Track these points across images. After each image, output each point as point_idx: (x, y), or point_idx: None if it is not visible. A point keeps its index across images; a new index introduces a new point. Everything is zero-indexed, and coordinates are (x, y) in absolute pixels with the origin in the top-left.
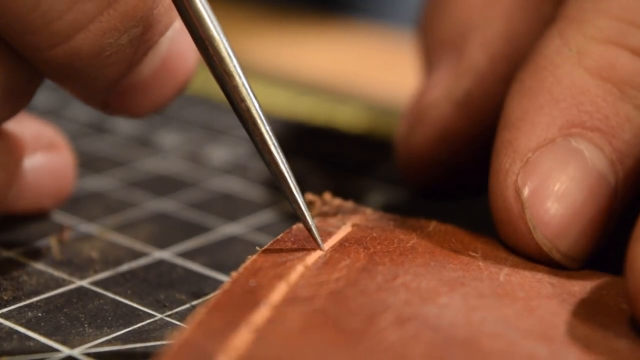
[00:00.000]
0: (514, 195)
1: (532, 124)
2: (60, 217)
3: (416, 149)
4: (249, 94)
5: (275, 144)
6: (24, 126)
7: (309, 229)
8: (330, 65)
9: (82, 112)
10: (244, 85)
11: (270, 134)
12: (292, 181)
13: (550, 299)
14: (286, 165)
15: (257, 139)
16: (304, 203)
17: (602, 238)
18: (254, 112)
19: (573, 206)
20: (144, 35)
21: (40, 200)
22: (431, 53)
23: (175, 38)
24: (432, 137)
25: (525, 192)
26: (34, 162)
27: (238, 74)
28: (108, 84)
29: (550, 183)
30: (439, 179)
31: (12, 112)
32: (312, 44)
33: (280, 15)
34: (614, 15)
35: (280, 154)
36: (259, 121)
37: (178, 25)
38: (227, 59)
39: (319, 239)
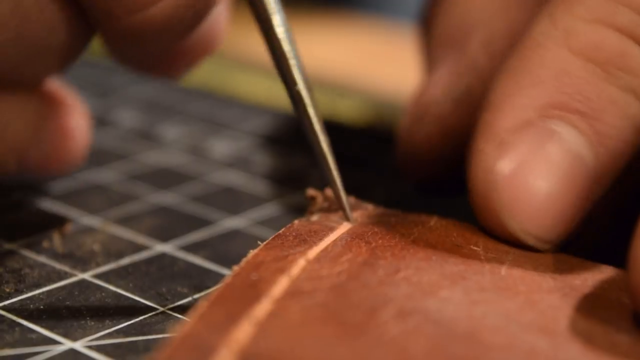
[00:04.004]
0: (486, 176)
1: (511, 105)
2: (62, 210)
3: (418, 146)
4: (301, 73)
5: (320, 123)
6: (47, 85)
7: (340, 201)
8: (332, 59)
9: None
10: (298, 67)
11: (317, 115)
12: (332, 159)
13: (551, 293)
14: (329, 145)
15: (304, 116)
16: (340, 180)
17: (579, 220)
18: (304, 92)
19: (546, 189)
20: (205, 6)
21: (56, 162)
22: (433, 50)
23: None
24: (433, 134)
25: (497, 173)
26: (55, 123)
27: (295, 56)
28: (162, 50)
29: (524, 165)
30: (440, 176)
31: (61, 69)
32: (313, 37)
33: (285, 7)
34: None
35: (325, 134)
36: (308, 100)
37: None
38: (287, 43)
39: (349, 212)
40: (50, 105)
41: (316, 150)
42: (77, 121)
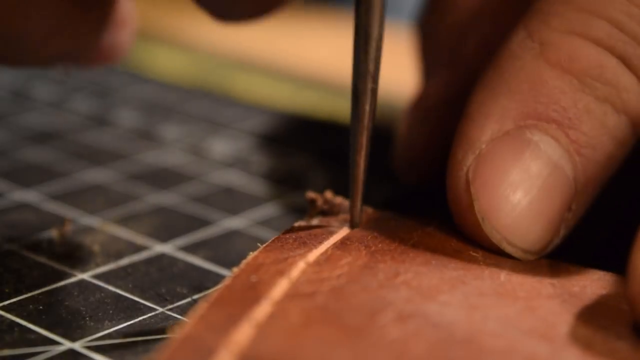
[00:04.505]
0: (464, 186)
1: (487, 115)
2: (61, 210)
3: (416, 150)
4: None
5: (370, 131)
6: None
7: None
8: (332, 59)
9: (84, 104)
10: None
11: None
12: (363, 169)
13: (551, 299)
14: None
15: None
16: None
17: (562, 229)
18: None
19: (524, 198)
20: None
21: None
22: (429, 55)
23: None
24: (432, 138)
25: (476, 183)
26: (109, 36)
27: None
28: None
29: (501, 175)
30: (438, 178)
31: None
32: (314, 37)
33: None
34: (579, 7)
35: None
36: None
37: None
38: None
39: (357, 220)
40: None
41: (353, 155)
42: (127, 36)
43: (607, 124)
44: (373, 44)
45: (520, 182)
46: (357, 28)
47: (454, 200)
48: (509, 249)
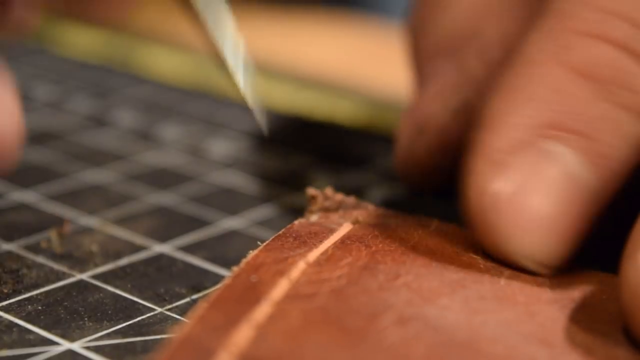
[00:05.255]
0: (482, 197)
1: (505, 124)
2: (60, 210)
3: (418, 158)
4: None
5: None
6: None
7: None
8: (330, 59)
9: (82, 105)
10: None
11: None
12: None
13: (550, 305)
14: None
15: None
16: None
17: (580, 243)
18: None
19: (545, 211)
20: None
21: None
22: (425, 60)
23: None
24: (433, 147)
25: (494, 195)
26: None
27: None
28: None
29: (521, 187)
30: (441, 186)
31: None
32: (312, 37)
33: (281, 8)
34: (599, 7)
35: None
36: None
37: None
38: None
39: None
40: None
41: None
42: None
43: (626, 132)
44: None
45: (540, 195)
46: None
47: (470, 211)
48: (527, 263)
